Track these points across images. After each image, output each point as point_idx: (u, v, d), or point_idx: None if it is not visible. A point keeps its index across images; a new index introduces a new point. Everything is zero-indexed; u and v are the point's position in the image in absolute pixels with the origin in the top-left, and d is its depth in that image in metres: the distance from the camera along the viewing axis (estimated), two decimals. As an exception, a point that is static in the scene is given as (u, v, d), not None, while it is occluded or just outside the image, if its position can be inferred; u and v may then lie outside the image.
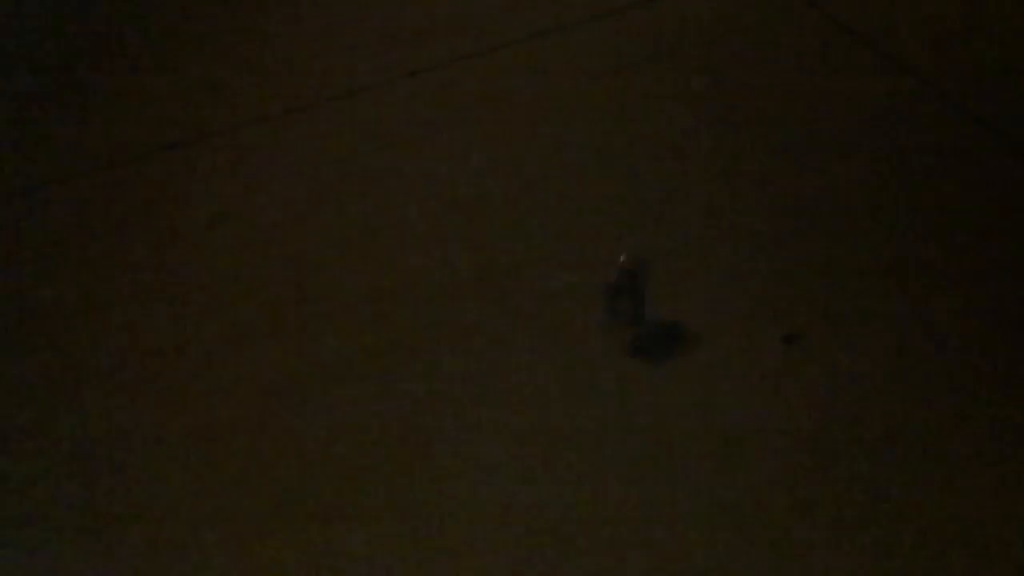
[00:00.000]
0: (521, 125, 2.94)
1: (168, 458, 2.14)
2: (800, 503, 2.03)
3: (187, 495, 2.06)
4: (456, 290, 2.48)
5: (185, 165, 2.85)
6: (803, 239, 2.57)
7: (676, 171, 2.78)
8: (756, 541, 1.96)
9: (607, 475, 2.09)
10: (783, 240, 2.57)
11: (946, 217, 2.62)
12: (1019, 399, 2.20)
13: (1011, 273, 2.47)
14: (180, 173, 2.82)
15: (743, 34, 3.22)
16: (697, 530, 1.97)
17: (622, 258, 2.27)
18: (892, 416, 2.17)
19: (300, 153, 2.87)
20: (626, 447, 2.13)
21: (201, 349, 2.36)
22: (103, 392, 2.28)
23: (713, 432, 2.15)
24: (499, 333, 2.38)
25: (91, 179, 2.80)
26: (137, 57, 3.21)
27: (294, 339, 2.38)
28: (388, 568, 1.96)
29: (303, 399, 2.25)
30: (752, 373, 2.26)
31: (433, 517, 2.03)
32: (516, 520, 2.01)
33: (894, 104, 2.96)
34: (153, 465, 2.13)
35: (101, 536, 2.01)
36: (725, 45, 3.19)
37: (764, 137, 2.87)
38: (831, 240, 2.57)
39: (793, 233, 2.59)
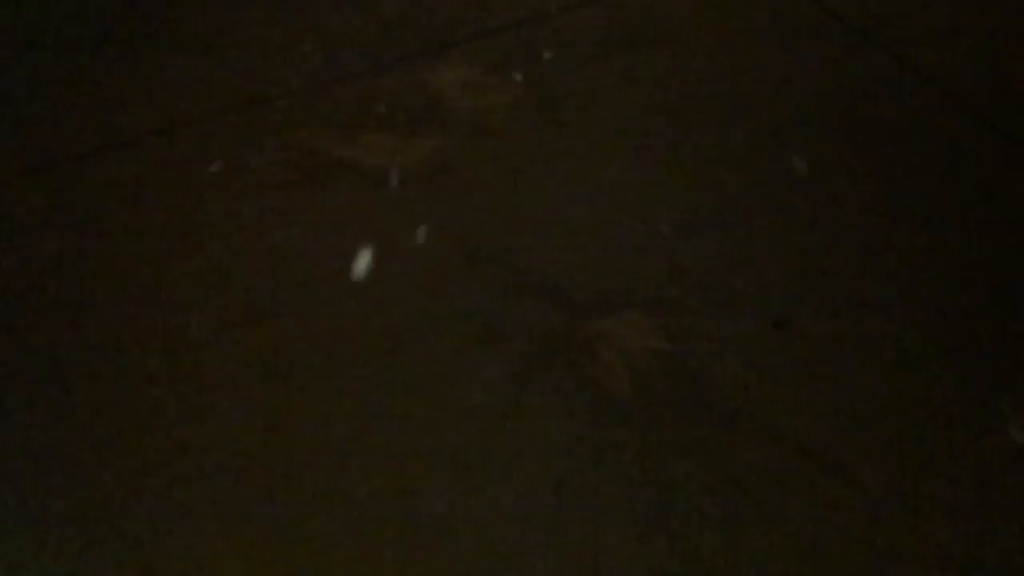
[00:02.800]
0: (499, 118, 2.94)
1: (159, 444, 2.13)
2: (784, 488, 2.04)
3: (177, 482, 2.06)
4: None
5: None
6: (791, 224, 2.57)
7: (662, 156, 2.77)
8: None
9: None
10: (772, 225, 2.57)
11: (938, 204, 2.61)
12: (1013, 389, 2.19)
13: (1001, 260, 2.47)
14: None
15: (732, 18, 3.23)
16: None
17: None
18: (881, 403, 2.18)
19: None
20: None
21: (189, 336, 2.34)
22: (93, 380, 2.26)
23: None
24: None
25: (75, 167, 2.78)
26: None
27: (283, 325, 2.36)
28: (376, 554, 1.94)
29: (293, 383, 2.23)
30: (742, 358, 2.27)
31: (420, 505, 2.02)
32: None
33: (885, 92, 2.96)
34: (146, 450, 2.12)
35: (90, 524, 1.99)
36: (713, 28, 3.20)
37: (753, 122, 2.87)
38: (820, 226, 2.56)
39: (782, 218, 2.59)
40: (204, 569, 1.94)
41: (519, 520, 2.00)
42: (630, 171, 2.73)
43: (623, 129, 2.86)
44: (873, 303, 2.38)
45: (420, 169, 2.75)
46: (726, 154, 2.78)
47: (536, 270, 2.48)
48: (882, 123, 2.87)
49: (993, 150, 2.78)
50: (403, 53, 3.13)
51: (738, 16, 3.26)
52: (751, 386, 2.21)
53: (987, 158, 2.76)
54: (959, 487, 2.04)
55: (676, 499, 2.03)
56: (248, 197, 2.67)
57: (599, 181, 2.71)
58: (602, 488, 2.05)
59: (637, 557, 1.95)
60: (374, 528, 1.99)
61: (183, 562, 1.94)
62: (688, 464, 2.08)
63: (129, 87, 3.02)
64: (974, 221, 2.58)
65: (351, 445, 2.12)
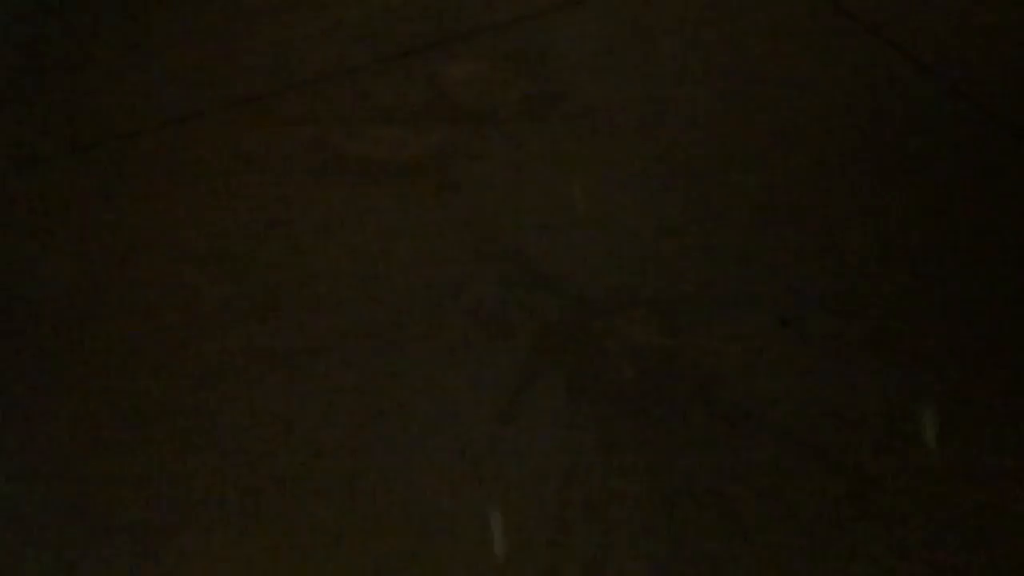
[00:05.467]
0: (505, 113, 2.94)
1: (161, 434, 2.13)
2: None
3: (180, 476, 2.07)
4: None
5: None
6: (799, 222, 2.56)
7: (669, 153, 2.77)
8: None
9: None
10: (779, 223, 2.56)
11: (941, 201, 2.60)
12: (1014, 392, 2.18)
13: (1010, 260, 2.46)
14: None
15: (741, 16, 3.23)
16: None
17: None
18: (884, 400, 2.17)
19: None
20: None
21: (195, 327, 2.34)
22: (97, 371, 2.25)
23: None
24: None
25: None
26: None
27: (288, 318, 2.36)
28: (381, 549, 1.94)
29: (297, 378, 2.23)
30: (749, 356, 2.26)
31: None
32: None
33: (896, 90, 2.95)
34: (147, 443, 2.12)
35: (95, 519, 2.00)
36: (722, 26, 3.19)
37: (761, 119, 2.86)
38: (828, 224, 2.55)
39: (790, 216, 2.58)
40: (208, 563, 1.93)
41: (524, 515, 1.99)
42: (637, 167, 2.73)
43: (630, 125, 2.86)
44: (879, 302, 2.37)
45: (426, 163, 2.74)
46: (734, 151, 2.77)
47: (542, 265, 2.47)
48: (891, 122, 2.86)
49: (1007, 151, 2.77)
50: (409, 47, 3.12)
51: (747, 13, 3.25)
52: (758, 384, 2.21)
53: (1001, 159, 2.75)
54: (962, 486, 2.04)
55: (681, 496, 2.02)
56: (254, 191, 2.67)
57: (606, 176, 2.70)
58: (607, 484, 2.04)
59: (641, 554, 1.94)
60: (378, 523, 1.99)
61: (188, 556, 1.94)
62: (694, 461, 2.08)
63: (131, 81, 3.01)
64: (987, 221, 2.57)
65: (355, 439, 2.12)
